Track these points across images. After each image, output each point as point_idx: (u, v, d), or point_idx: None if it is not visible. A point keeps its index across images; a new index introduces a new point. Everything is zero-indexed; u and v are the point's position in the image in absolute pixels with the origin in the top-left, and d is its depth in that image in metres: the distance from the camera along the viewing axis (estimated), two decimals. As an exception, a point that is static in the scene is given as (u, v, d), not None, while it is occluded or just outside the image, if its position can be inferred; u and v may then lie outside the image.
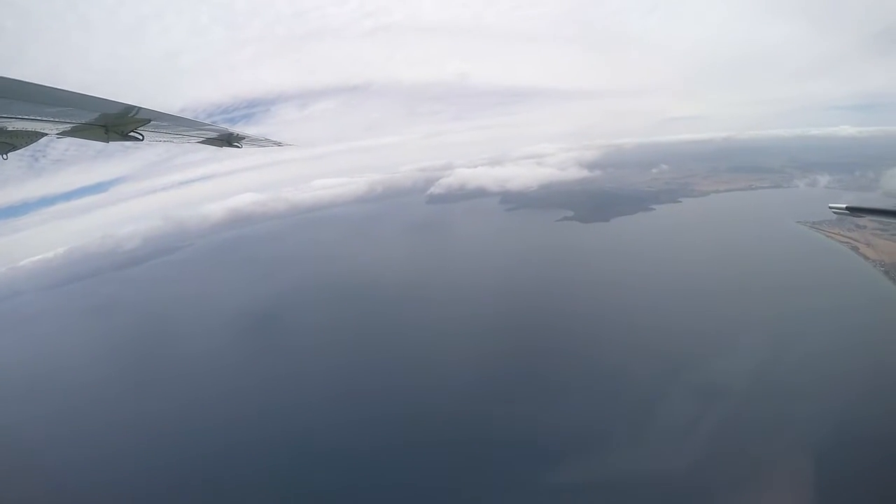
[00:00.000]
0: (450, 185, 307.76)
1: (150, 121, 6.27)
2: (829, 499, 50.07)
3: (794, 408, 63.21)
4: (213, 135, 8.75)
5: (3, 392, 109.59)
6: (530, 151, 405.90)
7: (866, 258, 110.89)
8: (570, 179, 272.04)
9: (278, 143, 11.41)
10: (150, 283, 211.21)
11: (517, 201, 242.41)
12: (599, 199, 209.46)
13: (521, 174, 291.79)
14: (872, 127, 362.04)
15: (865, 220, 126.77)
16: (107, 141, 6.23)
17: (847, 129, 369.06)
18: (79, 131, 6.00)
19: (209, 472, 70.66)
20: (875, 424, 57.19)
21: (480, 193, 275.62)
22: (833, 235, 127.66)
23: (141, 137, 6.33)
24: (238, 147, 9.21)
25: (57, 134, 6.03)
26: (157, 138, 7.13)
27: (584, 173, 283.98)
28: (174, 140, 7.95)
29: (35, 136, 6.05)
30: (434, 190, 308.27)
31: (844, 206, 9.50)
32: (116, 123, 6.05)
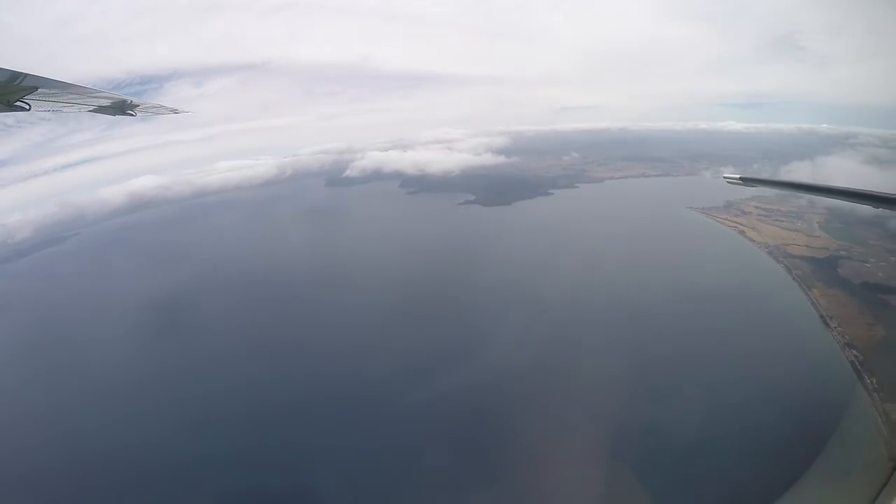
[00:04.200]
0: (364, 168, 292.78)
1: (37, 88, 5.77)
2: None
3: (681, 383, 63.26)
4: (106, 102, 8.14)
5: None
6: (435, 136, 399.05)
7: (752, 240, 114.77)
8: (486, 164, 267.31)
9: (174, 111, 10.95)
10: (41, 277, 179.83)
11: (418, 185, 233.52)
12: (501, 183, 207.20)
13: (439, 159, 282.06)
14: (758, 124, 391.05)
15: (751, 207, 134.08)
16: None
17: (734, 125, 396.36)
18: None
19: (109, 475, 62.37)
20: (762, 396, 59.25)
21: (384, 177, 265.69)
22: (722, 221, 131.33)
23: (28, 107, 5.85)
24: (132, 115, 8.75)
25: None
26: (44, 107, 6.49)
27: (501, 159, 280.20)
28: (64, 109, 7.35)
29: None
30: (349, 173, 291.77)
31: (738, 176, 10.16)
32: (1, 93, 5.53)
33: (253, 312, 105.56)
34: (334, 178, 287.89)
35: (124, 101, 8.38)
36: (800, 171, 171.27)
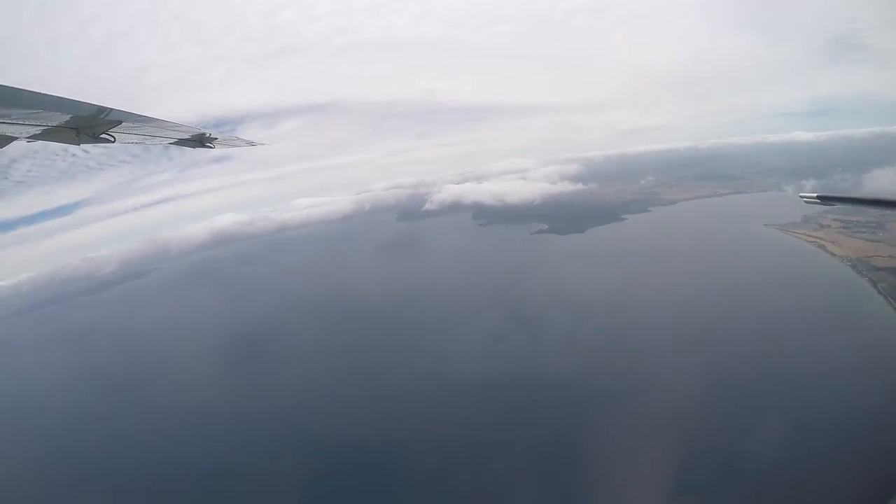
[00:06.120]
0: (442, 201, 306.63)
1: (121, 122, 6.27)
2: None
3: (770, 402, 65.23)
4: (186, 135, 8.63)
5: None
6: (506, 167, 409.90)
7: (833, 255, 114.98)
8: (564, 192, 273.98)
9: (251, 143, 11.45)
10: (125, 307, 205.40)
11: (490, 216, 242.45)
12: (574, 211, 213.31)
13: (516, 189, 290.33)
14: (828, 131, 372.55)
15: (829, 220, 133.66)
16: (78, 143, 6.17)
17: (803, 135, 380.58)
18: (49, 134, 5.93)
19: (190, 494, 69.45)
20: (852, 414, 59.31)
21: (462, 208, 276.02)
22: (801, 237, 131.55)
23: (112, 139, 6.31)
24: (210, 147, 9.19)
25: (27, 138, 5.96)
26: (128, 139, 7.08)
27: (579, 186, 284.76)
28: (146, 141, 7.86)
29: (4, 141, 5.89)
30: (428, 206, 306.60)
31: (815, 195, 9.84)
32: (88, 125, 6.01)
33: (330, 338, 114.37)
34: (410, 211, 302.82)
35: (203, 134, 8.77)
36: (882, 179, 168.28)
